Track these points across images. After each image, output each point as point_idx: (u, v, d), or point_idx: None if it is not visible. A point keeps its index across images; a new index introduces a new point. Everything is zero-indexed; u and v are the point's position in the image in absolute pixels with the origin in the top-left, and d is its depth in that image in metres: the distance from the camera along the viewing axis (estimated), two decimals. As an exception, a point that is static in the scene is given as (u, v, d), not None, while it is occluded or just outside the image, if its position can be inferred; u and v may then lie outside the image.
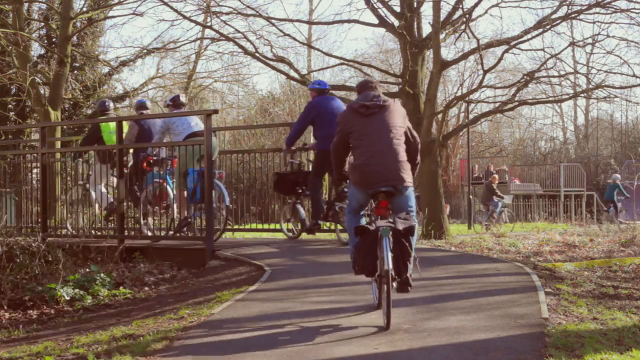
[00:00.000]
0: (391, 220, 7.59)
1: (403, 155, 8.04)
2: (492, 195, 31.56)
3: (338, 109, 11.88)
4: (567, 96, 28.21)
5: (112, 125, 13.99)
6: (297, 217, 13.04)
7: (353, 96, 29.93)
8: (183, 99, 13.63)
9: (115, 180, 13.27)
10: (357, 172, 8.05)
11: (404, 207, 7.93)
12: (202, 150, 12.09)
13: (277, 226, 14.97)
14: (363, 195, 8.12)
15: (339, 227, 12.43)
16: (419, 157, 8.37)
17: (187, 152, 12.59)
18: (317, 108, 12.22)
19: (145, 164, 13.33)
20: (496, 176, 33.60)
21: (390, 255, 7.29)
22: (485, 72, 23.33)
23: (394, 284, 7.43)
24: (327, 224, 13.05)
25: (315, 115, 12.22)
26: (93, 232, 13.77)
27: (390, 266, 7.24)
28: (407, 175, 7.99)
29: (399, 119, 8.15)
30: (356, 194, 8.19)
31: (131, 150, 13.63)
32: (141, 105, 14.65)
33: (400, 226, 7.45)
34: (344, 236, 11.52)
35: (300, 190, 12.65)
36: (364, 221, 8.16)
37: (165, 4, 23.09)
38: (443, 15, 22.08)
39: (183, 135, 12.95)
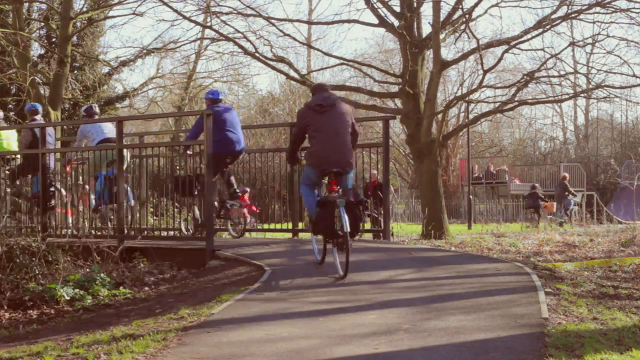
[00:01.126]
0: (342, 194, 9.82)
1: (349, 144, 10.25)
2: (565, 193, 31.74)
3: (231, 116, 13.34)
4: (567, 96, 28.25)
5: (5, 133, 15.05)
6: (193, 216, 13.59)
7: (353, 96, 29.99)
8: (96, 108, 14.91)
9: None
10: (315, 157, 10.24)
11: (348, 184, 10.17)
12: (111, 156, 13.28)
13: (278, 226, 15.00)
14: (317, 176, 10.35)
15: (230, 224, 13.85)
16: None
17: (95, 156, 13.56)
18: (214, 115, 12.82)
19: (68, 168, 14.37)
20: (566, 175, 33.71)
21: (347, 219, 9.47)
22: (485, 72, 23.36)
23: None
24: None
25: (213, 120, 12.64)
26: (93, 232, 13.76)
27: (348, 228, 9.45)
28: (352, 160, 10.28)
29: (347, 115, 10.35)
30: (311, 175, 10.38)
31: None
32: (33, 111, 15.22)
33: (353, 198, 9.76)
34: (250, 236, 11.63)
35: (196, 192, 13.20)
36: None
37: (165, 4, 23.13)
38: (443, 15, 22.11)
39: (95, 142, 13.85)
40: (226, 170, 13.46)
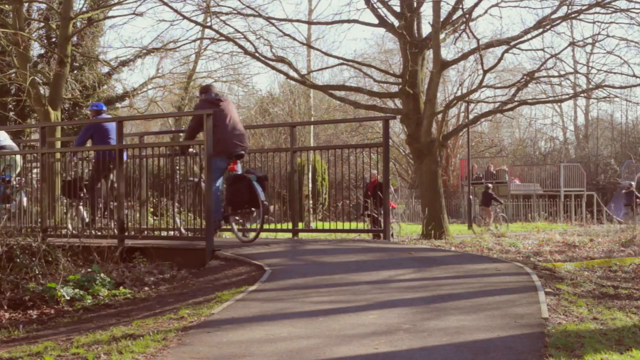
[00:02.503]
0: (246, 172, 12.44)
1: (244, 130, 12.58)
2: (494, 203, 31.89)
3: (111, 126, 14.42)
4: (567, 96, 28.28)
5: None
6: (80, 217, 14.48)
7: (352, 96, 29.99)
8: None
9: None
10: (222, 144, 12.15)
11: (245, 164, 12.97)
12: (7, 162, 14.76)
13: (278, 226, 14.99)
14: (225, 161, 12.28)
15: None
16: None
17: None
18: (95, 126, 14.60)
19: None
20: (490, 185, 33.86)
21: (261, 190, 12.03)
22: (485, 72, 23.36)
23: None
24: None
25: (93, 132, 14.49)
26: (93, 232, 13.77)
27: (263, 197, 12.07)
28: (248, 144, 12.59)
29: (235, 107, 12.57)
30: (221, 164, 12.24)
31: None
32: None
33: (260, 174, 12.44)
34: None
35: (82, 194, 14.31)
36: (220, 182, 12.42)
37: (165, 4, 23.13)
38: (443, 15, 22.12)
39: None
40: (110, 176, 14.44)
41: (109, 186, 14.37)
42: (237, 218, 13.12)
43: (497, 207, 32.55)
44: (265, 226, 15.98)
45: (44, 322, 9.34)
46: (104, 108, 15.61)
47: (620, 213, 35.50)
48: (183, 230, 13.32)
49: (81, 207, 14.43)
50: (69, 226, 14.18)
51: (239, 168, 12.60)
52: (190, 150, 13.04)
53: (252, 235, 12.94)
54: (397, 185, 45.09)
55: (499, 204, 32.87)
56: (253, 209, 12.46)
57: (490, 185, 34.33)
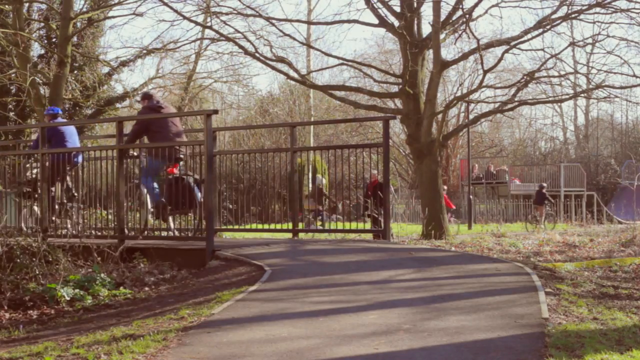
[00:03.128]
0: (189, 174, 13.11)
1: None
2: None
3: (68, 130, 15.17)
4: (567, 96, 28.28)
5: None
6: (34, 216, 14.93)
7: (352, 96, 29.99)
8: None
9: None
10: (163, 148, 12.76)
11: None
12: None
13: (278, 226, 14.99)
14: (164, 163, 12.95)
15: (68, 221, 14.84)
16: None
17: None
18: (52, 129, 14.90)
19: None
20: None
21: (198, 192, 12.76)
22: (485, 72, 23.35)
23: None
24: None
25: (51, 135, 14.73)
26: (93, 232, 13.77)
27: (200, 198, 12.61)
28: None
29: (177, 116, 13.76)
30: (158, 166, 13.07)
31: None
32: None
33: (198, 177, 12.89)
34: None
35: (37, 195, 14.68)
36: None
37: (165, 4, 23.13)
38: (443, 15, 22.12)
39: None
40: (66, 178, 14.93)
41: (64, 188, 14.81)
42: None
43: (547, 205, 32.86)
44: (265, 226, 16.01)
45: (44, 323, 9.34)
46: (60, 112, 16.18)
47: (620, 213, 35.50)
48: (175, 231, 13.48)
49: (35, 207, 14.85)
50: (23, 226, 14.66)
51: (177, 171, 13.34)
52: (132, 153, 13.64)
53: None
54: (397, 185, 45.10)
55: (550, 203, 33.12)
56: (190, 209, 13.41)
57: (544, 185, 34.62)
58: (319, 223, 18.88)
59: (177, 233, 13.42)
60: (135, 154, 13.53)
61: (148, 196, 13.51)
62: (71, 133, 15.17)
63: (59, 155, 14.42)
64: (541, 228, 25.03)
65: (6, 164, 15.84)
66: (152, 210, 13.52)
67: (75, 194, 14.74)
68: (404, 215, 33.57)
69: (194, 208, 13.16)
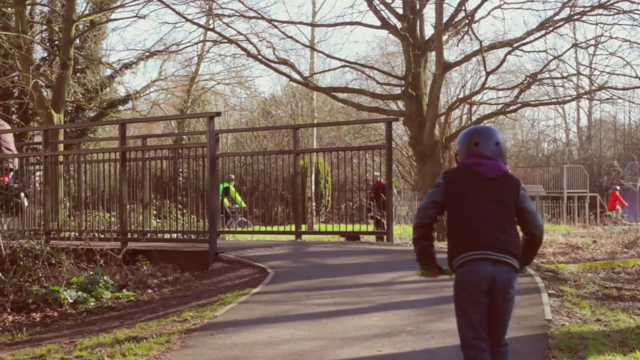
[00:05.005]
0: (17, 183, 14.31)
1: None
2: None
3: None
4: (569, 98, 28.22)
5: None
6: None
7: (355, 98, 29.98)
8: None
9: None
10: None
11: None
12: None
13: (281, 228, 14.99)
14: None
15: None
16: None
17: None
18: None
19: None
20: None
21: (24, 198, 13.83)
22: (488, 73, 23.34)
23: None
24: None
25: None
26: (96, 234, 13.78)
27: (26, 205, 14.05)
28: None
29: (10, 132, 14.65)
30: None
31: None
32: None
33: (23, 185, 14.26)
34: None
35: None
36: None
37: (168, 6, 23.13)
38: (445, 17, 22.10)
39: None
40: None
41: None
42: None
43: None
44: (269, 228, 16.02)
45: (48, 325, 9.34)
46: None
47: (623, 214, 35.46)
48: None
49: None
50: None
51: (9, 179, 14.81)
52: (10, 166, 14.83)
53: None
54: (400, 187, 45.06)
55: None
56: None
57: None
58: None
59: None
60: (11, 167, 14.86)
61: None
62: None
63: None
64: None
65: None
66: None
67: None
68: (406, 217, 33.53)
69: (21, 212, 14.66)
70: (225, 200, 18.88)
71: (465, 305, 4.67)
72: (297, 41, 25.37)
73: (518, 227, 4.82)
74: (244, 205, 19.29)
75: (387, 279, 9.85)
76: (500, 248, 4.61)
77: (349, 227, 15.33)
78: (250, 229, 17.28)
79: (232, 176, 19.02)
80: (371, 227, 17.85)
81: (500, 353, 4.65)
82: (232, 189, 19.43)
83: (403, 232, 21.57)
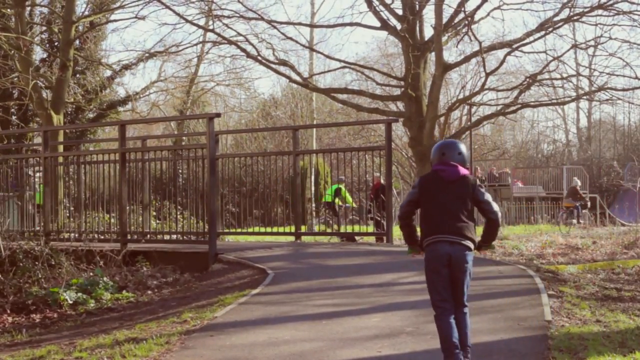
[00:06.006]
0: None
1: None
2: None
3: None
4: (569, 98, 28.21)
5: None
6: None
7: (354, 99, 29.99)
8: None
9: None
10: None
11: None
12: None
13: (281, 229, 14.99)
14: None
15: None
16: None
17: None
18: None
19: None
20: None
21: None
22: (488, 74, 23.35)
23: None
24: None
25: None
26: (96, 236, 13.77)
27: None
28: None
29: None
30: None
31: None
32: None
33: None
34: None
35: None
36: None
37: (168, 7, 23.14)
38: (445, 18, 22.11)
39: None
40: None
41: None
42: None
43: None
44: (268, 229, 16.01)
45: (47, 326, 9.34)
46: None
47: (623, 215, 35.43)
48: None
49: None
50: None
51: None
52: None
53: None
54: (399, 188, 45.08)
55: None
56: None
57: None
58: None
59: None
60: None
61: None
62: None
63: None
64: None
65: (8, 168, 15.84)
66: None
67: None
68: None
69: None
70: (337, 200, 19.67)
71: (431, 276, 6.07)
72: (296, 42, 25.39)
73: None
74: (354, 205, 20.32)
75: (387, 279, 9.85)
76: (455, 232, 6.01)
77: (348, 228, 15.33)
78: (250, 230, 17.23)
79: (343, 177, 19.54)
80: (371, 228, 17.84)
81: (461, 312, 5.99)
82: (343, 189, 19.93)
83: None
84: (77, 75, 30.84)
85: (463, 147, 6.21)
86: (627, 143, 53.23)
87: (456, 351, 5.78)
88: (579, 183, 31.37)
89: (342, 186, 19.85)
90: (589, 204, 30.90)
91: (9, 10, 24.02)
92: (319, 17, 46.12)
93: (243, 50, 23.50)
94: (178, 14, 23.50)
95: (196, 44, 31.19)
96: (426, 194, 6.10)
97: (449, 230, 6.01)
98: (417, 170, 29.18)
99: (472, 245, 6.15)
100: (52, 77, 24.72)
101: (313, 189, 33.09)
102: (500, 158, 49.97)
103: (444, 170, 6.06)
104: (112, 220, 14.40)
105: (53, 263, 11.64)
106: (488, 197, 6.22)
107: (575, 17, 22.63)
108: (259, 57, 23.42)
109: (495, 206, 6.25)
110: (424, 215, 6.18)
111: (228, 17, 23.88)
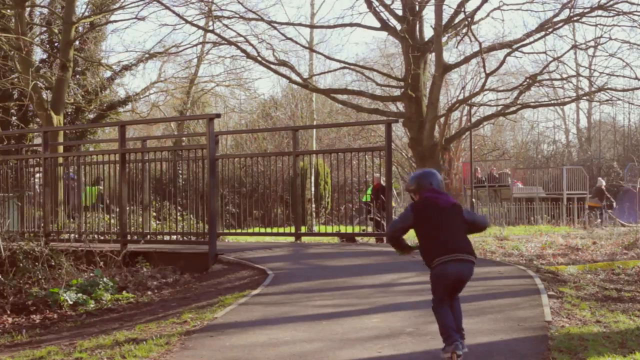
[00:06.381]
0: None
1: None
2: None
3: None
4: (569, 99, 28.25)
5: None
6: None
7: (354, 100, 30.00)
8: None
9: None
10: None
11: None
12: None
13: (281, 230, 14.99)
14: None
15: None
16: None
17: None
18: None
19: None
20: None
21: None
22: (488, 75, 23.38)
23: None
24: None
25: None
26: (96, 236, 13.77)
27: None
28: None
29: None
30: None
31: None
32: None
33: None
34: None
35: None
36: None
37: (167, 8, 23.17)
38: (445, 18, 22.14)
39: None
40: None
41: None
42: None
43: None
44: (268, 230, 16.01)
45: (47, 327, 9.33)
46: None
47: (623, 216, 35.43)
48: None
49: None
50: None
51: None
52: None
53: None
54: (399, 189, 45.08)
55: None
56: None
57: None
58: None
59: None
60: None
61: None
62: None
63: None
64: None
65: (8, 168, 15.84)
66: None
67: None
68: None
69: None
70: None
71: (438, 287, 6.36)
72: (296, 42, 25.43)
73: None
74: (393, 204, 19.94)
75: (386, 280, 9.85)
76: (462, 249, 6.34)
77: (348, 229, 15.33)
78: (250, 230, 17.24)
79: (378, 175, 19.27)
80: (370, 229, 17.83)
81: (455, 299, 6.42)
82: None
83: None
84: (77, 76, 30.87)
85: (440, 176, 6.71)
86: (627, 143, 53.24)
87: (454, 334, 6.14)
88: (604, 183, 31.33)
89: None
90: (614, 204, 30.83)
91: (9, 11, 24.04)
92: (318, 17, 46.17)
93: (243, 50, 23.53)
94: (178, 15, 23.56)
95: (196, 45, 31.24)
96: (422, 219, 6.42)
97: (455, 248, 6.32)
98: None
99: (475, 259, 6.47)
100: (52, 78, 24.75)
101: (313, 189, 33.09)
102: (500, 158, 49.99)
103: (437, 198, 6.46)
104: (112, 220, 14.40)
105: (53, 264, 11.64)
106: (473, 214, 6.93)
107: (575, 18, 22.67)
108: (259, 58, 23.45)
109: (485, 219, 6.93)
110: (425, 237, 6.46)
111: (228, 17, 23.94)
